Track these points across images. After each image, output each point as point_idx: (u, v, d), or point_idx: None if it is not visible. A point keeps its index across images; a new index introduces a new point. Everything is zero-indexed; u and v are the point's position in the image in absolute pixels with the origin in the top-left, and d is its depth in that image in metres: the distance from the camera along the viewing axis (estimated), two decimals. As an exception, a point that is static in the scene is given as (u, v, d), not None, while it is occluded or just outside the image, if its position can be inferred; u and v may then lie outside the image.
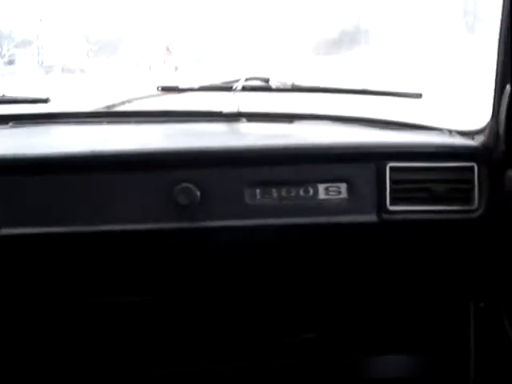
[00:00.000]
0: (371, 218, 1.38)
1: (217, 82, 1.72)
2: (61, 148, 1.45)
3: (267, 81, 1.66)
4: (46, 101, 1.74)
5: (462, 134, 1.58)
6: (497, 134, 1.40)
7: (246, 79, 1.67)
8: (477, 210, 1.41)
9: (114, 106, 1.78)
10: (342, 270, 1.51)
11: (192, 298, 1.62)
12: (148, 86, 1.77)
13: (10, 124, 1.65)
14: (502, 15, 1.36)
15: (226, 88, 1.66)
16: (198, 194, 1.35)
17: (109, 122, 1.67)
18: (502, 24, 1.36)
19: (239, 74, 1.69)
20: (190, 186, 1.35)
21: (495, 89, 1.40)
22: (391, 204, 1.39)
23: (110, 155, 1.39)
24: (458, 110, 1.94)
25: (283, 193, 1.37)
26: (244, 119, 1.66)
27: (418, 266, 1.50)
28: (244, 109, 1.67)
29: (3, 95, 1.76)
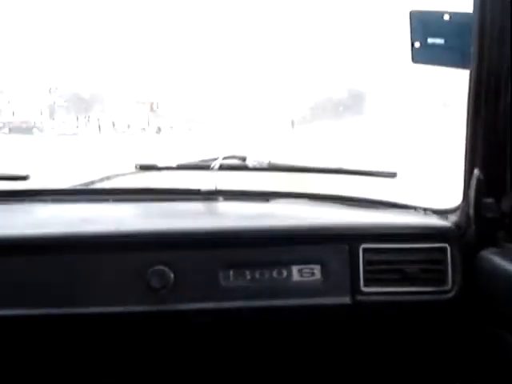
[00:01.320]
0: (345, 299, 1.39)
1: (195, 159, 1.76)
2: (38, 228, 1.45)
3: (244, 159, 1.69)
4: (25, 178, 1.76)
5: (436, 212, 1.60)
6: (468, 215, 1.42)
7: (224, 158, 1.69)
8: (450, 290, 1.41)
9: (92, 183, 1.80)
10: (318, 351, 1.50)
11: (168, 382, 1.59)
12: (128, 157, 1.80)
13: None
14: (469, 98, 1.40)
15: (204, 167, 1.69)
16: (172, 276, 1.35)
17: (87, 200, 1.68)
18: (468, 107, 1.40)
19: (219, 145, 1.72)
20: (164, 268, 1.35)
21: (464, 172, 1.43)
22: (365, 285, 1.40)
23: (85, 237, 1.39)
24: (433, 188, 1.97)
25: (257, 275, 1.37)
26: (221, 198, 1.67)
27: (394, 346, 1.50)
28: (222, 186, 1.70)
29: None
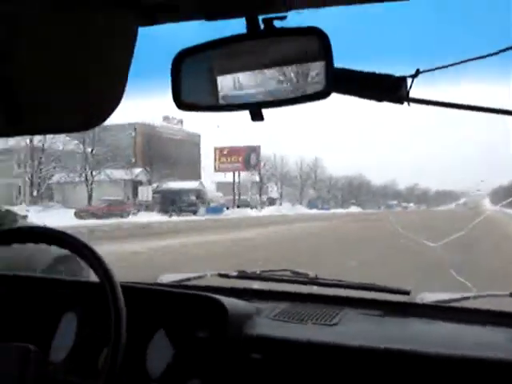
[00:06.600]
0: None
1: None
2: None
3: None
4: (407, 293, 2.06)
5: None
6: None
7: None
8: None
9: (459, 300, 2.03)
10: None
11: None
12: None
13: (380, 312, 1.96)
14: None
15: None
16: None
17: (463, 321, 1.84)
18: None
19: None
20: None
21: None
22: None
23: (485, 362, 1.56)
24: None
25: None
26: None
27: None
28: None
29: (373, 283, 2.11)
